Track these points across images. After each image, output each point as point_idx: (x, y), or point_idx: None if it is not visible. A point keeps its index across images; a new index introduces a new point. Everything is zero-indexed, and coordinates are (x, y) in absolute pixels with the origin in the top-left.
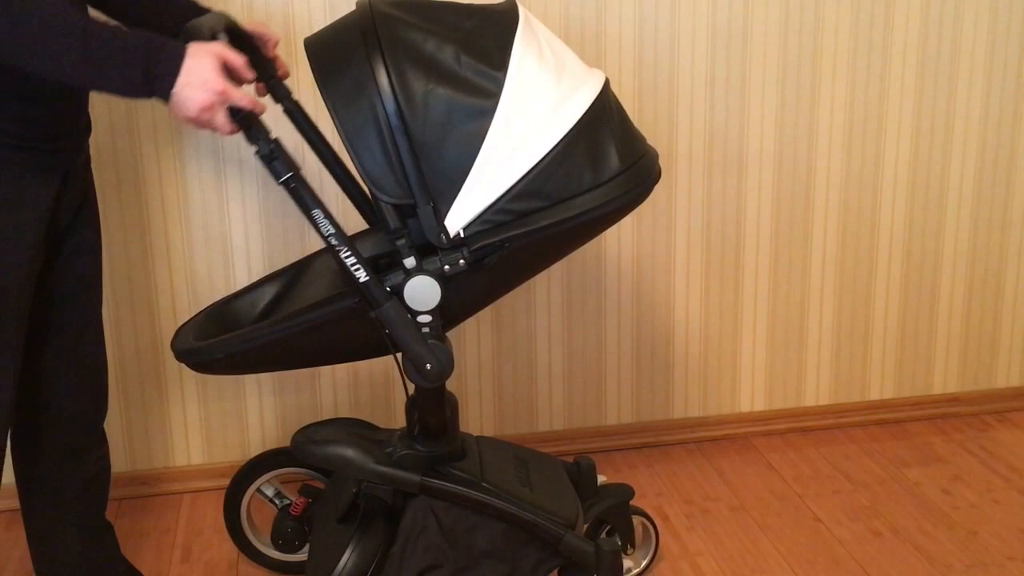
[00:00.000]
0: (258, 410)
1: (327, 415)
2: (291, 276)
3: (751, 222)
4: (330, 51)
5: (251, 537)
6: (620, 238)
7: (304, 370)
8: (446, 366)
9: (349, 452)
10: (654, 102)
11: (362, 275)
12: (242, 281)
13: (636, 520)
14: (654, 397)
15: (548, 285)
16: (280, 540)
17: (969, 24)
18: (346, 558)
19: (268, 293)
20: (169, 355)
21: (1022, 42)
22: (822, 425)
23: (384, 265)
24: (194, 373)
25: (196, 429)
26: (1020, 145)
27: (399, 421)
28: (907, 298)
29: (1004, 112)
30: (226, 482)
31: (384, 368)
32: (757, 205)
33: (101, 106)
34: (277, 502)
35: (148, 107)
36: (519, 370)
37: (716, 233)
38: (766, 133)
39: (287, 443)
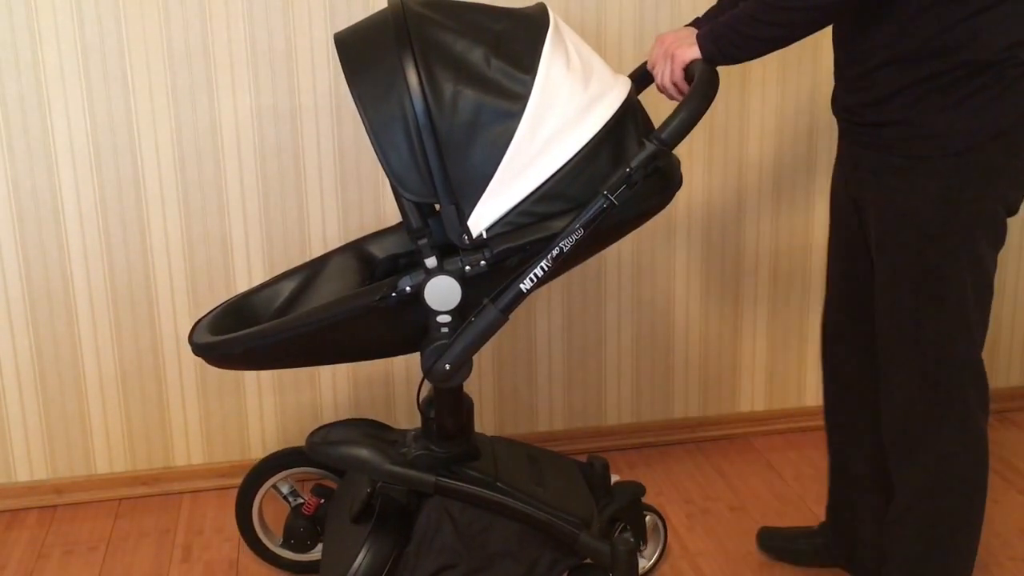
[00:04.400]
0: (258, 410)
1: (327, 415)
2: (308, 274)
3: (751, 222)
4: (361, 48)
5: (261, 535)
6: None
7: (304, 370)
8: (463, 375)
9: (364, 452)
10: (654, 102)
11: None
12: (242, 281)
13: (648, 516)
14: (654, 397)
15: (548, 285)
16: (292, 539)
17: None
18: (361, 558)
19: (285, 290)
20: (169, 355)
21: None
22: (822, 425)
23: (405, 264)
24: (194, 373)
25: (196, 429)
26: None
27: (399, 421)
28: None
29: None
30: (226, 482)
31: (384, 368)
32: (757, 204)
33: (101, 104)
34: (291, 500)
35: (148, 106)
36: (519, 370)
37: (716, 233)
38: (766, 132)
39: (287, 442)
